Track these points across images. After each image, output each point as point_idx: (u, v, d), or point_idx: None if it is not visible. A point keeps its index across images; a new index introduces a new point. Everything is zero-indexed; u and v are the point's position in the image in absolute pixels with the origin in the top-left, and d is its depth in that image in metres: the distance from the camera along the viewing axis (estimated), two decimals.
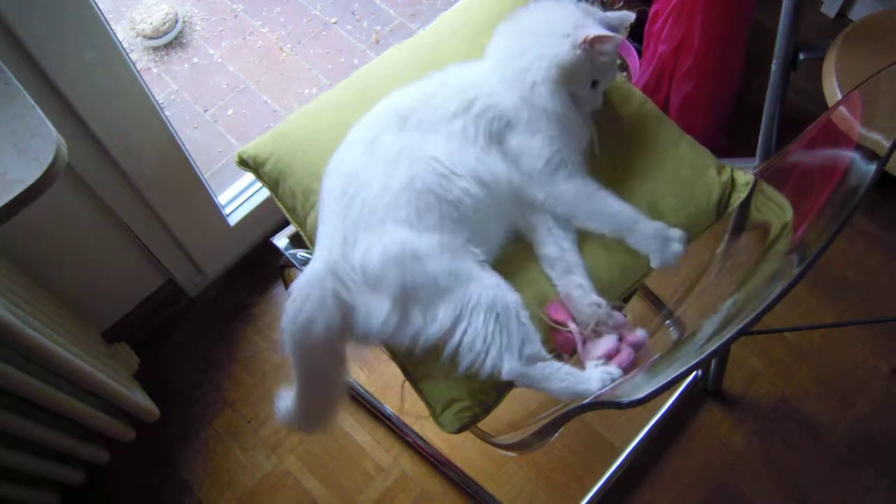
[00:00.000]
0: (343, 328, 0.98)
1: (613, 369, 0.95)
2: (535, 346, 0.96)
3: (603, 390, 0.93)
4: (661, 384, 0.68)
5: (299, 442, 1.62)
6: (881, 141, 0.77)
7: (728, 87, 1.68)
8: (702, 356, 0.74)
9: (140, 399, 1.38)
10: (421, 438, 1.59)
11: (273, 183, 1.17)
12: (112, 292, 1.60)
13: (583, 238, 1.08)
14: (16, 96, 0.91)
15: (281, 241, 1.27)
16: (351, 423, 1.63)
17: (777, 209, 1.10)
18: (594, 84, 1.07)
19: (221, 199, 1.67)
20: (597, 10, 1.09)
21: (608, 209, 1.05)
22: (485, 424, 1.08)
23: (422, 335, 0.96)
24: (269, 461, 1.61)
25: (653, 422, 1.60)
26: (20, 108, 0.91)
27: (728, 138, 1.79)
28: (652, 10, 1.62)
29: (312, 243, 1.11)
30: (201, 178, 1.52)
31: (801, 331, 1.70)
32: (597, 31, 1.01)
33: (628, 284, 1.08)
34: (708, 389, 1.63)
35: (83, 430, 1.32)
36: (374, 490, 1.56)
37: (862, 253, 1.79)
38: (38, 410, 1.18)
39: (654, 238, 1.05)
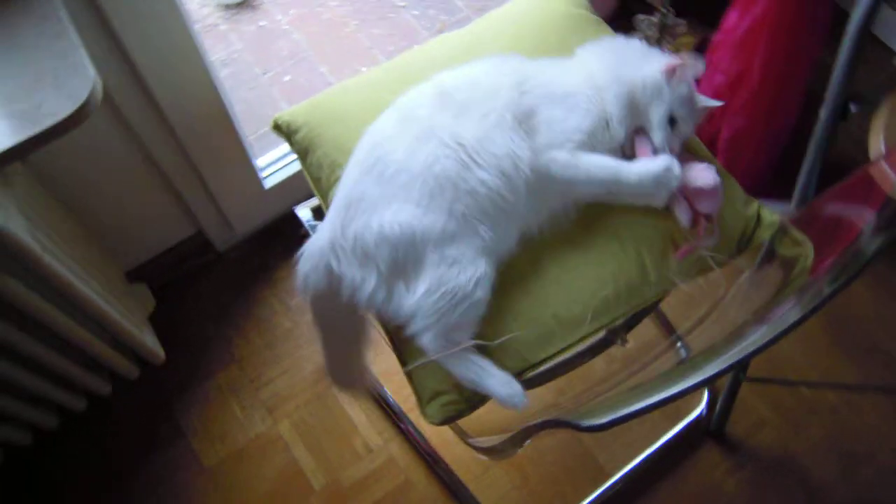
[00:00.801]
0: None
1: (518, 391, 0.97)
2: (464, 335, 0.98)
3: (512, 399, 0.96)
4: (623, 413, 0.67)
5: (295, 409, 1.64)
6: None
7: (782, 125, 1.64)
8: (685, 386, 0.73)
9: (148, 340, 1.42)
10: (414, 427, 1.60)
11: (303, 152, 1.19)
12: (142, 235, 1.64)
13: (589, 248, 1.07)
14: (64, 34, 0.95)
15: (303, 211, 1.29)
16: (349, 401, 1.65)
17: (801, 250, 1.07)
18: (672, 122, 1.06)
19: (260, 161, 1.70)
20: None
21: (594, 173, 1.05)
22: (468, 424, 1.08)
23: (402, 308, 0.97)
24: (264, 422, 1.63)
25: (648, 451, 1.58)
26: (66, 47, 0.94)
27: (775, 177, 1.74)
28: (715, 37, 1.58)
29: None
30: (243, 138, 1.55)
31: (818, 388, 1.65)
32: (678, 60, 1.04)
33: (634, 303, 1.06)
34: (710, 429, 1.60)
35: (89, 360, 1.36)
36: (359, 469, 1.58)
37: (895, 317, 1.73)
38: (49, 334, 1.22)
39: (641, 185, 1.04)
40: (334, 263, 0.99)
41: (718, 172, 1.06)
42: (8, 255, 1.01)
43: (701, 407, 1.62)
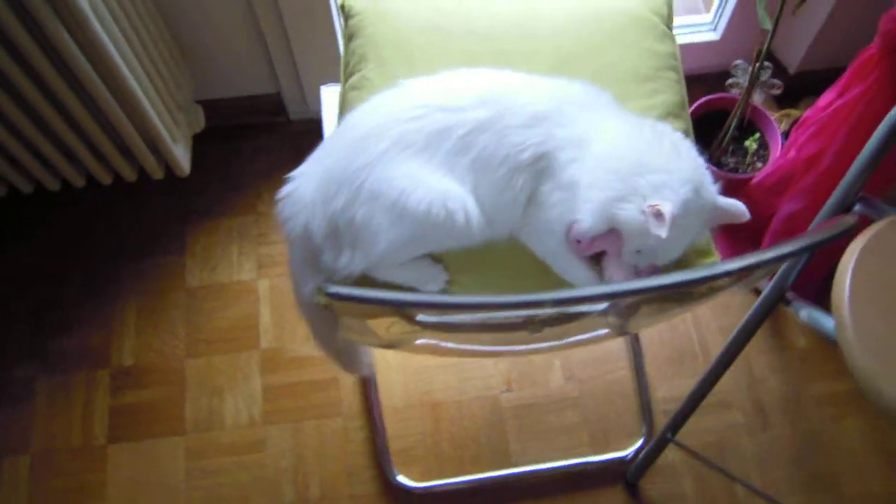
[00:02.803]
0: None
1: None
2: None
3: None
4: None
5: (279, 276, 1.77)
6: None
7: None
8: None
9: (177, 151, 1.57)
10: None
11: (348, 36, 1.27)
12: (226, 71, 1.79)
13: None
14: None
15: (330, 91, 1.37)
16: None
17: None
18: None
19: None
20: (714, 187, 0.97)
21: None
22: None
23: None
24: (250, 273, 1.77)
25: (558, 463, 1.58)
26: None
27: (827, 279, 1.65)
28: (806, 113, 1.51)
29: (344, 107, 1.20)
30: (335, 17, 1.65)
31: (753, 495, 1.57)
32: (671, 208, 0.88)
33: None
34: (627, 474, 1.57)
35: (121, 143, 1.52)
36: (304, 349, 1.68)
37: (864, 459, 1.61)
38: (91, 100, 1.38)
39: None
40: (313, 227, 1.01)
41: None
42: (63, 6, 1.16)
43: (630, 450, 1.59)
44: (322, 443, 1.60)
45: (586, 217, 0.94)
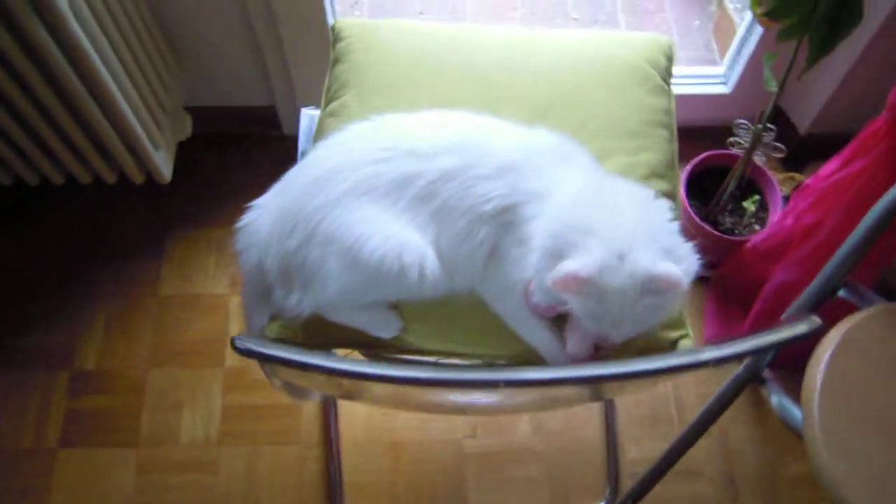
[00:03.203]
0: None
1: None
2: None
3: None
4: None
5: None
6: None
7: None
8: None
9: (157, 157, 1.53)
10: None
11: (334, 60, 1.23)
12: (219, 79, 1.76)
13: None
14: None
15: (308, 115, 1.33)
16: None
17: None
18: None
19: None
20: (680, 243, 0.86)
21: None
22: None
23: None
24: (223, 288, 1.73)
25: None
26: None
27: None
28: (808, 180, 1.45)
29: (320, 132, 1.17)
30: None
31: None
32: (584, 271, 0.79)
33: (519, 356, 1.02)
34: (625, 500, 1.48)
35: (101, 145, 1.49)
36: None
37: None
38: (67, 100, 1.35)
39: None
40: (267, 265, 0.98)
41: None
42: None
43: None
44: (276, 470, 1.55)
45: (536, 278, 0.89)
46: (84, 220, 1.81)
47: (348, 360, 0.70)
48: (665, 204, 0.91)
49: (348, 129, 1.01)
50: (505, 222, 0.92)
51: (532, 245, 0.88)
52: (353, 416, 1.59)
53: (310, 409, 1.60)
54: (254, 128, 1.89)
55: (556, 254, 0.83)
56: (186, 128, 1.69)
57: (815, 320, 0.65)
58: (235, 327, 1.68)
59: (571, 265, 0.79)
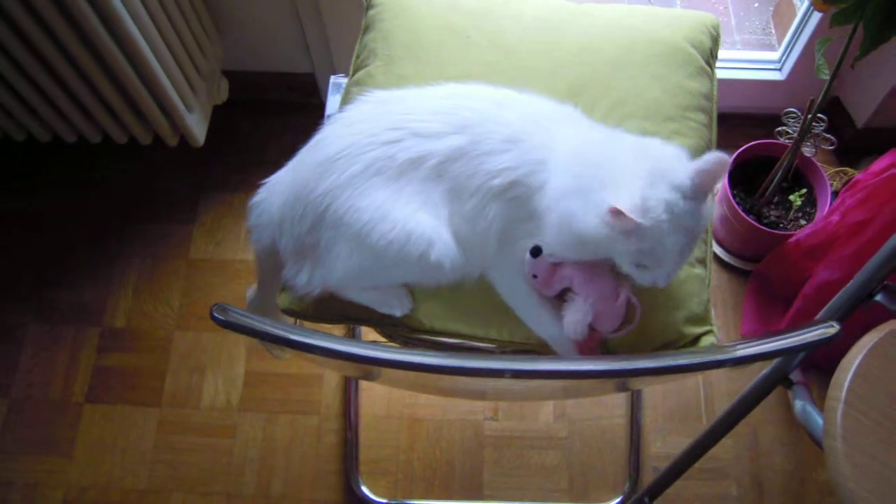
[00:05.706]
0: None
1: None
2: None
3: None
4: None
5: None
6: None
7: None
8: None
9: (191, 120, 1.53)
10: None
11: (364, 28, 1.20)
12: (259, 45, 1.74)
13: None
14: None
15: (337, 82, 1.31)
16: None
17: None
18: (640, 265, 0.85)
19: None
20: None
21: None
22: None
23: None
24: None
25: None
26: None
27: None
28: (858, 175, 1.37)
29: (346, 101, 1.13)
30: None
31: None
32: (629, 202, 0.76)
33: (530, 342, 0.99)
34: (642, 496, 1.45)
35: (137, 107, 1.49)
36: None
37: None
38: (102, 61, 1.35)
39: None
40: (280, 244, 0.98)
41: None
42: None
43: None
44: (293, 439, 1.55)
45: (549, 235, 0.86)
46: (123, 182, 1.83)
47: (327, 337, 0.68)
48: (677, 148, 0.88)
49: (356, 107, 0.99)
50: (514, 197, 0.89)
51: (544, 207, 0.86)
52: (375, 390, 1.58)
53: (331, 380, 1.60)
54: (293, 95, 1.88)
55: (583, 193, 0.82)
56: (223, 92, 1.68)
57: (834, 326, 0.60)
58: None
59: (613, 198, 0.77)
